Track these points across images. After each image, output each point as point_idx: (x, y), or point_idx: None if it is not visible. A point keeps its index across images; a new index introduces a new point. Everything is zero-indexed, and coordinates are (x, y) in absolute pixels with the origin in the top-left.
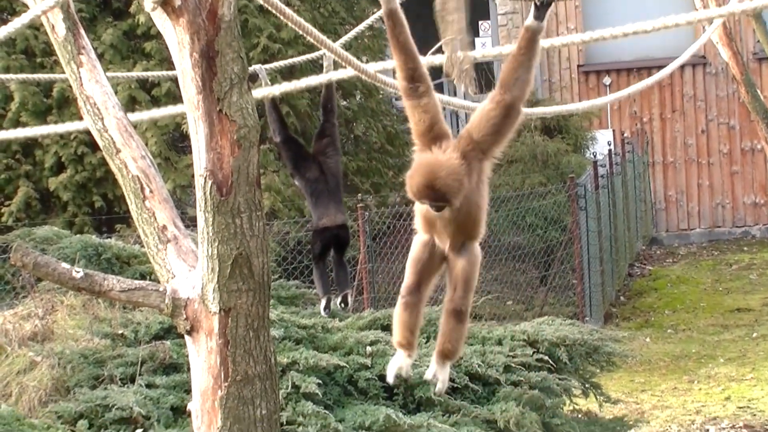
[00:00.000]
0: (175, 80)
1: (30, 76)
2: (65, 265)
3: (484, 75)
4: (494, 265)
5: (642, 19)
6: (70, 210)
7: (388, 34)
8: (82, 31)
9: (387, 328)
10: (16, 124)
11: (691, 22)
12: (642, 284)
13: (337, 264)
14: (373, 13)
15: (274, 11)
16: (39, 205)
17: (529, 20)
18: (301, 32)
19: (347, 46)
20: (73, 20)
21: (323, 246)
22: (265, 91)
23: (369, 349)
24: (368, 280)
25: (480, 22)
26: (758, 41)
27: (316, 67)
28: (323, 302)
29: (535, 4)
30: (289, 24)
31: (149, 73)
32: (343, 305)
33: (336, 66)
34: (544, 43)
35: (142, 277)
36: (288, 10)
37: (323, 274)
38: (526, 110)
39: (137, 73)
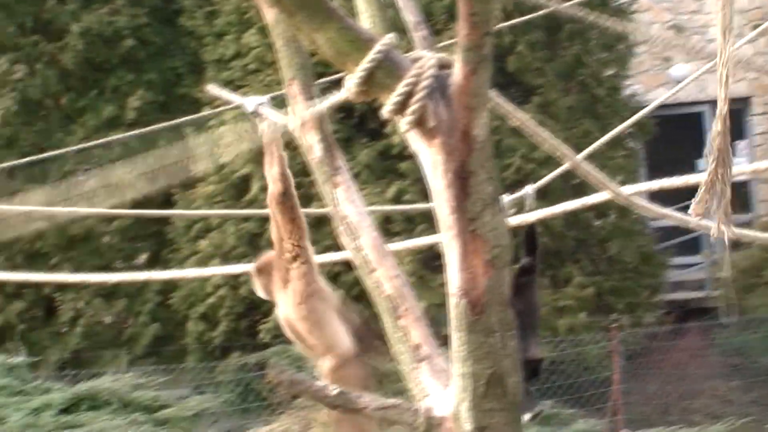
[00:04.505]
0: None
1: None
2: (320, 383)
3: (742, 194)
4: (753, 387)
5: None
6: None
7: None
8: (339, 152)
9: None
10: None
11: None
12: None
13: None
14: (627, 133)
15: (527, 133)
16: None
17: None
18: (554, 153)
19: (601, 167)
20: (329, 142)
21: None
22: (522, 218)
23: None
24: (622, 400)
25: (736, 142)
26: None
27: (567, 186)
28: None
29: None
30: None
31: (400, 207)
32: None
33: (591, 191)
34: None
35: (395, 395)
36: (541, 131)
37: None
38: None
39: (391, 207)
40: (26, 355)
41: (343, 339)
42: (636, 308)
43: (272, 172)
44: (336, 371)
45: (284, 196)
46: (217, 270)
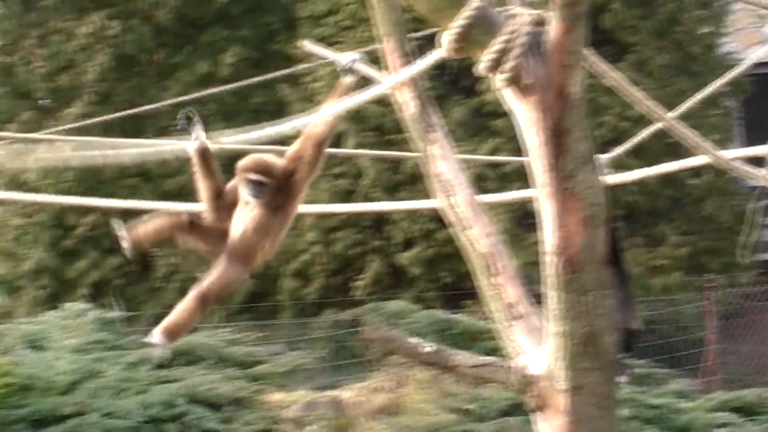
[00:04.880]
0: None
1: (381, 153)
2: (414, 340)
3: None
4: None
5: None
6: (420, 285)
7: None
8: (433, 109)
9: (739, 410)
10: (367, 199)
11: None
12: None
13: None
14: (722, 91)
15: (621, 92)
16: (389, 280)
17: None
18: (648, 114)
19: (695, 126)
20: (424, 99)
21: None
22: (617, 177)
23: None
24: (718, 360)
25: None
26: None
27: (662, 145)
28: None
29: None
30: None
31: (496, 158)
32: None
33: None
34: None
35: (489, 352)
36: (635, 90)
37: None
38: None
39: (486, 158)
40: (122, 310)
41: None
42: (731, 268)
43: (328, 117)
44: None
45: (324, 143)
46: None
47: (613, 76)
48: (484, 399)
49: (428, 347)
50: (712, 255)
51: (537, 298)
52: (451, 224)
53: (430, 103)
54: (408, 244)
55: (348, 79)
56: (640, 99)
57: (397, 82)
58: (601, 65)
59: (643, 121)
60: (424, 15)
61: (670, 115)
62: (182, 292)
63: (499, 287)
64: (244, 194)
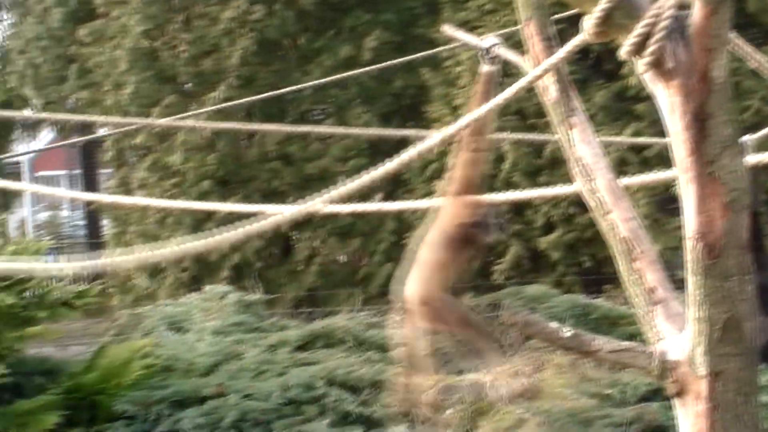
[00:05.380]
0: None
1: (523, 136)
2: (554, 324)
3: None
4: None
5: None
6: (560, 269)
7: None
8: (574, 94)
9: None
10: (508, 184)
11: None
12: None
13: None
14: None
15: (766, 75)
16: (529, 264)
17: None
18: None
19: None
20: (565, 83)
21: None
22: (759, 158)
23: None
24: None
25: None
26: None
27: None
28: None
29: None
30: None
31: (638, 140)
32: None
33: None
34: None
35: (628, 338)
36: None
37: None
38: None
39: (627, 139)
40: (263, 293)
41: None
42: None
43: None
44: None
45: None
46: None
47: (758, 59)
48: (624, 384)
49: (567, 332)
50: None
51: (678, 284)
52: (592, 209)
53: (571, 87)
54: (548, 228)
55: (488, 67)
56: None
57: (544, 69)
58: (745, 48)
59: None
60: None
61: None
62: (321, 276)
63: (639, 272)
64: (487, 237)
